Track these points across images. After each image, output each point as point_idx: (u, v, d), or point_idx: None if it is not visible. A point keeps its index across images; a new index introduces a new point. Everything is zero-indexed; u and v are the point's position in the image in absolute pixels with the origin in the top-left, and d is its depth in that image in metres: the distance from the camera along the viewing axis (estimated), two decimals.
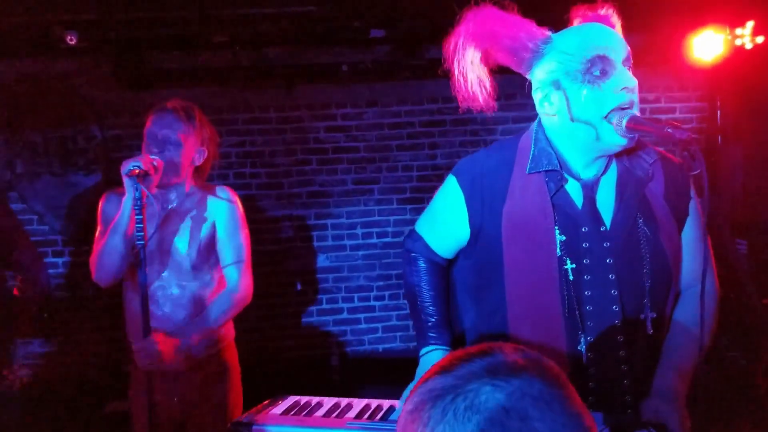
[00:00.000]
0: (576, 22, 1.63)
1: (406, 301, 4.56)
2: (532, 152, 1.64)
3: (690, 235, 1.69)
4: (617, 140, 1.50)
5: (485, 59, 1.59)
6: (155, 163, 2.23)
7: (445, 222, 1.77)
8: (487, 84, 1.60)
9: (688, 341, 1.67)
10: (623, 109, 1.49)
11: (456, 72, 1.60)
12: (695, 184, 1.68)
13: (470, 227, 1.70)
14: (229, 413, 2.48)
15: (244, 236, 2.52)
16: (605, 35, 1.53)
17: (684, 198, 1.68)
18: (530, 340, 1.60)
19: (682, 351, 1.67)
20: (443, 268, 1.86)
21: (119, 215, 2.26)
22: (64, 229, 4.36)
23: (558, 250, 1.59)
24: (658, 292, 1.62)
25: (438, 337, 1.77)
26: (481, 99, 1.61)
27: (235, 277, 2.47)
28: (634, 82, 1.51)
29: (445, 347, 1.76)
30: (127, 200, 2.22)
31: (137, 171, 2.14)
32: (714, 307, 1.73)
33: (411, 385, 1.74)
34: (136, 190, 2.12)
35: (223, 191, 2.51)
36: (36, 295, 4.19)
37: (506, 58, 1.60)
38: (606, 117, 1.50)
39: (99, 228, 2.44)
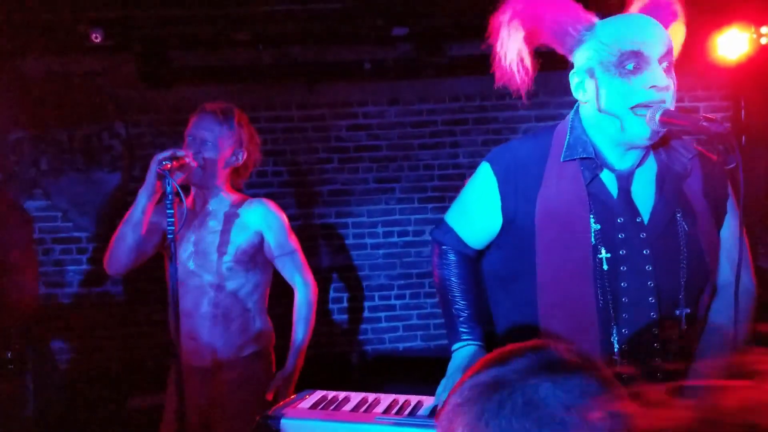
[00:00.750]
0: (633, 8, 1.61)
1: (426, 300, 4.59)
2: (567, 140, 1.63)
3: (728, 233, 1.67)
4: (642, 132, 1.49)
5: (529, 38, 1.58)
6: (187, 158, 2.25)
7: (478, 210, 1.75)
8: (527, 62, 1.58)
9: (722, 341, 1.65)
10: (650, 105, 1.48)
11: (498, 48, 1.59)
12: (731, 179, 1.66)
13: (503, 215, 1.68)
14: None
15: (294, 243, 2.59)
16: (645, 29, 1.51)
17: (722, 195, 1.67)
18: (562, 331, 1.59)
19: (716, 351, 1.65)
20: (474, 261, 1.84)
21: (133, 206, 2.31)
22: (88, 226, 4.40)
23: (593, 238, 1.57)
24: (693, 288, 1.61)
25: (470, 332, 1.76)
26: (518, 78, 1.59)
27: (297, 274, 2.58)
28: (665, 82, 1.48)
29: (477, 342, 1.75)
30: (143, 192, 2.28)
31: (168, 165, 2.16)
32: (750, 304, 1.71)
33: (445, 381, 1.75)
34: (168, 184, 2.14)
35: (265, 202, 2.55)
36: (21, 303, 4.16)
37: (549, 40, 1.59)
38: (632, 108, 1.49)
39: None
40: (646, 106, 1.48)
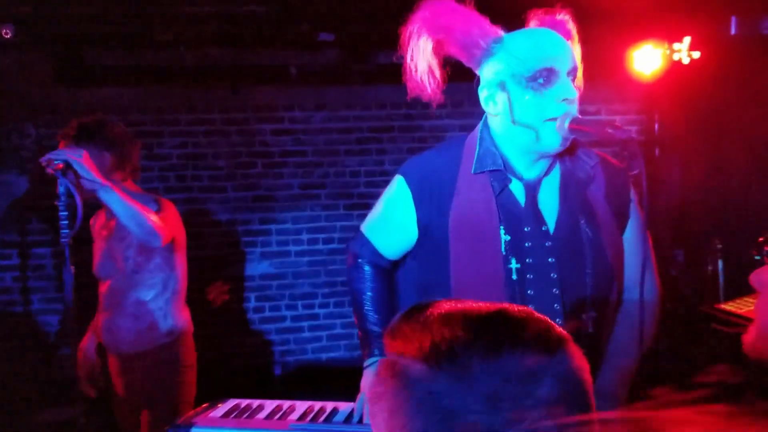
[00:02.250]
0: (532, 25, 1.64)
1: (350, 309, 4.54)
2: (477, 152, 1.65)
3: (632, 237, 1.72)
4: (556, 141, 1.53)
5: (437, 50, 1.59)
6: (73, 156, 2.14)
7: (393, 222, 1.76)
8: (437, 74, 1.59)
9: (629, 343, 1.69)
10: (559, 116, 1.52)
11: (408, 59, 1.59)
12: (635, 184, 1.71)
13: (418, 226, 1.69)
14: (181, 407, 2.52)
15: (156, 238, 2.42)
16: (555, 45, 1.55)
17: (625, 200, 1.71)
18: None
19: (623, 353, 1.69)
20: (388, 273, 1.85)
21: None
22: None
23: (503, 249, 1.60)
24: (599, 292, 1.64)
25: (381, 348, 1.76)
26: (429, 89, 1.60)
27: None
28: (574, 94, 1.53)
29: None
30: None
31: (61, 165, 2.07)
32: (654, 307, 1.76)
33: (362, 398, 1.79)
34: (61, 185, 2.05)
35: (155, 200, 2.51)
36: None
37: (457, 51, 1.60)
38: (547, 121, 1.53)
39: None
40: (557, 117, 1.52)
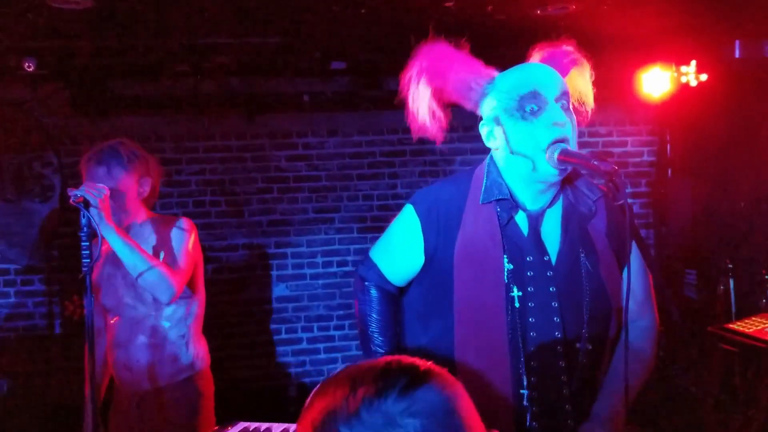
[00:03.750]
0: (534, 59, 1.72)
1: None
2: (484, 183, 1.71)
3: (632, 271, 1.74)
4: (551, 170, 1.58)
5: (436, 94, 1.67)
6: (97, 192, 2.20)
7: (401, 249, 1.81)
8: (439, 116, 1.67)
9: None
10: (558, 142, 1.57)
11: (409, 104, 1.67)
12: (618, 213, 1.74)
13: (425, 254, 1.75)
14: None
15: (185, 254, 2.46)
16: (539, 73, 1.62)
17: (625, 235, 1.76)
18: (475, 364, 1.66)
19: (619, 381, 1.70)
20: (395, 298, 1.90)
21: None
22: (17, 258, 4.26)
23: (506, 278, 1.65)
24: (596, 325, 1.69)
25: None
26: (431, 130, 1.68)
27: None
28: (563, 118, 1.58)
29: None
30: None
31: (81, 198, 2.14)
32: (652, 339, 1.82)
33: None
34: (83, 217, 2.12)
35: (181, 222, 2.51)
36: None
37: (456, 96, 1.68)
38: (544, 150, 1.58)
39: None
40: (556, 142, 1.57)
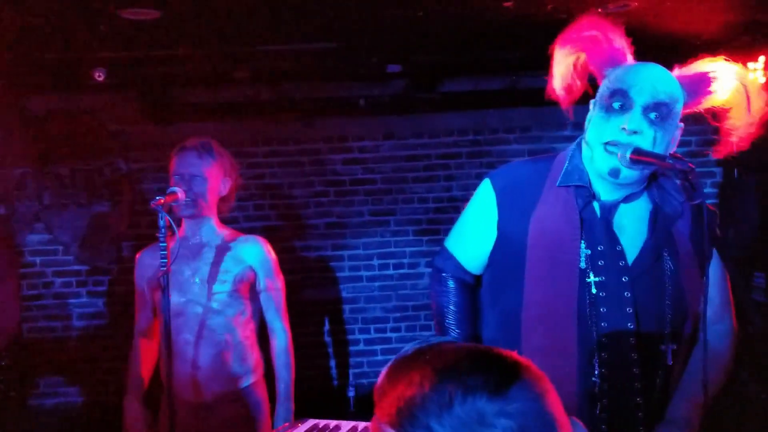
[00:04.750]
0: (703, 66, 1.70)
1: (422, 333, 4.60)
2: (565, 167, 1.72)
3: (713, 277, 1.72)
4: (604, 166, 1.59)
5: (578, 62, 1.69)
6: (179, 192, 2.32)
7: (475, 224, 1.81)
8: (576, 84, 1.70)
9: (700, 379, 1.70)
10: (619, 144, 1.57)
11: (553, 65, 1.71)
12: (700, 215, 1.72)
13: (498, 229, 1.75)
14: None
15: (281, 282, 2.65)
16: (642, 75, 1.59)
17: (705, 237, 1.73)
18: (542, 346, 1.64)
19: (696, 384, 1.68)
20: (472, 288, 1.89)
21: None
22: (88, 260, 4.46)
23: (582, 262, 1.64)
24: (677, 325, 1.67)
25: None
26: (560, 94, 1.71)
27: (278, 325, 2.64)
28: (636, 126, 1.55)
29: None
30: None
31: (161, 200, 2.23)
32: (730, 345, 1.79)
33: None
34: (161, 218, 2.20)
35: (259, 240, 2.62)
36: None
37: (593, 67, 1.70)
38: (604, 144, 1.58)
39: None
40: (615, 144, 1.57)
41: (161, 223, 2.20)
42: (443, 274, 1.88)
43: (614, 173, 1.59)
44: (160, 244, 2.20)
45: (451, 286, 1.86)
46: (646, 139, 1.56)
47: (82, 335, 4.45)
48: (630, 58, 1.67)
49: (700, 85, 1.66)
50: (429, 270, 4.48)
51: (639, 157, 1.53)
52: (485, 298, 1.86)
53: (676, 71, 1.68)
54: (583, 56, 1.67)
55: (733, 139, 1.70)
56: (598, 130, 1.61)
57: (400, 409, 0.77)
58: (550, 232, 1.67)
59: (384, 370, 0.86)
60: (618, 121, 1.57)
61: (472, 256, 1.84)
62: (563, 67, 1.68)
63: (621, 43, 1.67)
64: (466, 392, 0.75)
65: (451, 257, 1.88)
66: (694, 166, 1.48)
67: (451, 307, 1.84)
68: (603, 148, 1.59)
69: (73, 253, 4.46)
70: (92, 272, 4.48)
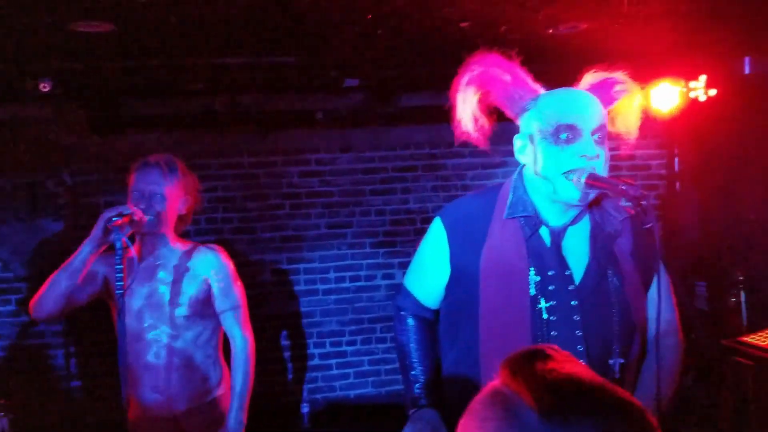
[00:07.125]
0: (584, 82, 1.76)
1: (377, 346, 4.61)
2: (510, 199, 1.76)
3: (657, 292, 1.77)
4: (572, 195, 1.63)
5: (483, 100, 1.72)
6: (135, 215, 2.25)
7: (430, 261, 1.86)
8: (483, 123, 1.73)
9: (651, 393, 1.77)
10: (576, 170, 1.62)
11: (457, 108, 1.73)
12: (649, 237, 1.79)
13: (451, 265, 1.79)
14: None
15: (239, 289, 2.59)
16: (581, 105, 1.66)
17: (652, 255, 1.79)
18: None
19: (648, 397, 1.74)
20: (432, 325, 1.94)
21: (75, 254, 2.29)
22: (29, 276, 4.27)
23: (533, 289, 1.69)
24: (625, 340, 1.73)
25: (426, 397, 1.84)
26: (474, 135, 1.73)
27: (236, 328, 2.56)
28: (594, 152, 1.62)
29: (433, 407, 1.82)
30: (87, 244, 2.26)
31: (118, 222, 2.16)
32: (678, 360, 1.86)
33: None
34: (117, 240, 2.14)
35: (215, 249, 2.57)
36: None
37: (500, 102, 1.74)
38: (564, 174, 1.63)
39: None
40: (573, 171, 1.62)
41: (118, 245, 2.14)
42: (402, 313, 1.94)
43: (585, 197, 1.64)
44: (116, 266, 2.14)
45: (411, 324, 1.92)
46: (598, 162, 1.63)
47: (18, 356, 4.24)
48: (535, 86, 1.74)
49: (606, 91, 1.73)
50: (386, 282, 4.51)
51: (594, 182, 1.60)
52: (443, 336, 1.91)
53: (588, 77, 1.76)
54: (487, 94, 1.72)
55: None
56: (554, 163, 1.64)
57: (556, 404, 0.77)
58: (500, 263, 1.72)
59: (521, 353, 0.86)
60: (573, 149, 1.62)
61: (429, 292, 1.90)
62: (470, 108, 1.71)
63: (521, 73, 1.73)
64: (624, 420, 0.77)
65: (409, 295, 1.93)
66: (645, 193, 1.54)
67: (412, 344, 1.90)
68: (564, 178, 1.63)
69: (13, 269, 4.26)
70: (34, 289, 4.27)
